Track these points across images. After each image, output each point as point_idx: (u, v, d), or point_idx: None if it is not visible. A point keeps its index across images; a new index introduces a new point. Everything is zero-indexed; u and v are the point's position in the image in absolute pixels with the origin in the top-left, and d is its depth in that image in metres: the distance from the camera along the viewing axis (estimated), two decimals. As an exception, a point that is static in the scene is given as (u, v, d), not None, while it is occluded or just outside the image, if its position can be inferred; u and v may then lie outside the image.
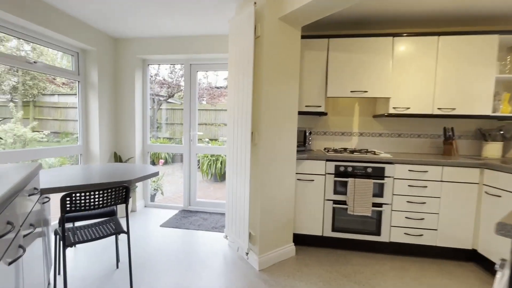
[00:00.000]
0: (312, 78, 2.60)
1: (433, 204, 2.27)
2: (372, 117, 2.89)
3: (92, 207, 1.56)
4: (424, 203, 2.28)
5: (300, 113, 2.61)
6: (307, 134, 2.72)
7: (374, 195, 2.34)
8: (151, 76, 6.41)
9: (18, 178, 0.99)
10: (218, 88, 7.75)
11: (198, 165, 3.66)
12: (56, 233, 1.71)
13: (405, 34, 2.45)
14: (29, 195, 1.18)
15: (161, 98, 7.24)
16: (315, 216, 2.44)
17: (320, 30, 2.82)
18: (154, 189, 3.98)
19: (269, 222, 2.19)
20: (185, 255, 2.31)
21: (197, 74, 3.44)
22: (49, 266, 1.78)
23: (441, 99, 2.44)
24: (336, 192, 2.40)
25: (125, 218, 1.76)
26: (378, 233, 2.36)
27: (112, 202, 1.65)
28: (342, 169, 2.38)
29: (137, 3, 2.33)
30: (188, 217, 3.24)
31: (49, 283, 1.81)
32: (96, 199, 1.56)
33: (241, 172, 2.22)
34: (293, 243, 2.37)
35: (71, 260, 2.19)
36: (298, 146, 2.58)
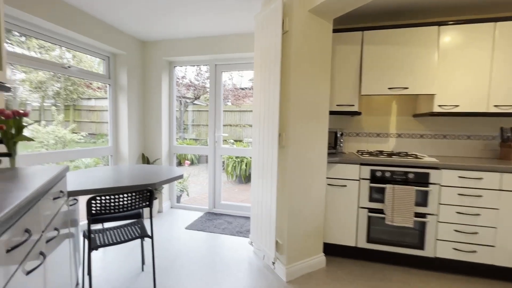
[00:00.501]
0: (344, 75, 2.40)
1: (490, 216, 1.96)
2: (412, 117, 2.61)
3: (116, 210, 1.53)
4: (478, 215, 1.97)
5: (330, 113, 2.42)
6: (338, 135, 2.52)
7: (417, 204, 2.08)
8: (178, 79, 6.55)
9: (39, 184, 0.96)
10: (243, 89, 7.72)
11: (223, 166, 3.61)
12: (84, 235, 1.72)
13: (452, 22, 2.16)
14: (54, 199, 1.16)
15: (188, 100, 7.38)
16: (348, 225, 2.24)
17: (352, 23, 2.61)
18: (180, 190, 4.00)
19: (297, 230, 2.03)
20: (209, 261, 2.24)
21: (222, 74, 3.38)
22: (78, 266, 1.79)
23: (498, 95, 2.11)
24: (371, 199, 2.18)
25: (152, 220, 1.72)
26: (421, 246, 2.10)
27: (137, 206, 1.61)
28: (379, 174, 2.15)
29: (165, 5, 2.32)
30: (212, 220, 3.18)
31: (77, 283, 1.83)
32: (121, 203, 1.53)
33: (267, 176, 2.09)
34: (323, 254, 2.19)
35: (99, 259, 2.22)
36: (328, 149, 2.39)
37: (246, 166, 5.74)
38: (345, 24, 2.58)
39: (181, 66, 3.60)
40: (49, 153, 2.54)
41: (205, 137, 7.06)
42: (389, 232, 2.17)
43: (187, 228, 2.95)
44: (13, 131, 1.56)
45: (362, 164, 2.19)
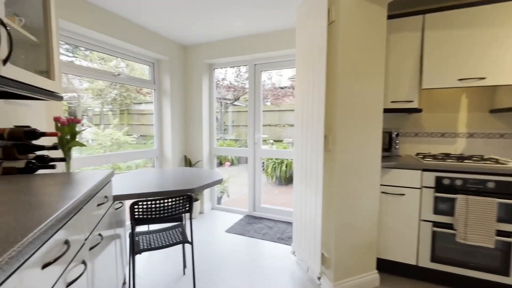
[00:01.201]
0: (400, 67, 2.09)
1: None
2: (489, 112, 2.16)
3: (158, 215, 1.52)
4: None
5: (384, 111, 2.13)
6: (393, 136, 2.22)
7: (499, 220, 1.69)
8: (218, 81, 6.68)
9: (82, 192, 0.95)
10: (282, 88, 7.55)
11: (262, 167, 3.51)
12: (129, 236, 1.77)
13: (549, -8, 1.71)
14: (98, 205, 1.18)
15: (228, 102, 7.49)
16: (407, 240, 1.94)
17: (410, 6, 2.27)
18: (221, 192, 4.02)
19: (346, 243, 1.82)
20: (249, 269, 2.15)
21: (261, 74, 3.28)
22: (124, 265, 1.86)
23: None
24: (437, 211, 1.85)
25: (193, 222, 1.70)
26: (505, 272, 1.71)
27: (177, 211, 1.59)
28: (446, 182, 1.81)
29: (206, 9, 2.30)
30: (252, 224, 3.10)
31: (124, 282, 1.90)
32: (162, 208, 1.52)
33: (311, 182, 1.92)
34: (376, 271, 1.93)
35: (144, 259, 2.29)
36: (381, 151, 2.11)
37: (286, 167, 5.57)
38: (401, 9, 2.25)
39: (220, 68, 3.60)
40: (103, 156, 2.73)
41: (245, 137, 7.08)
42: (460, 251, 1.82)
43: (227, 231, 2.91)
44: (68, 137, 1.67)
45: (424, 169, 1.87)
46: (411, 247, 1.93)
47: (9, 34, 0.91)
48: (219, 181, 1.93)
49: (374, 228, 1.91)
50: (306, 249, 2.02)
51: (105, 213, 1.31)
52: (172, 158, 3.34)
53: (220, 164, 6.94)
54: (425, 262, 1.90)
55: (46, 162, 1.47)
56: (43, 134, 1.45)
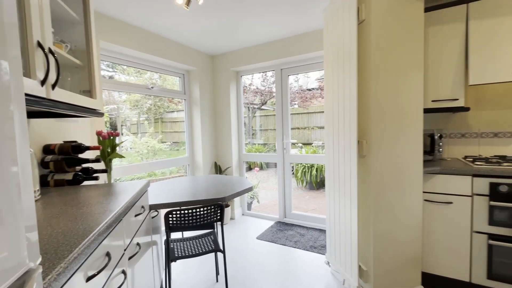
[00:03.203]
0: (442, 63, 1.91)
1: None
2: (554, 108, 1.88)
3: (191, 223, 1.56)
4: None
5: (424, 111, 1.97)
6: (436, 137, 2.03)
7: None
8: (246, 86, 6.77)
9: (120, 204, 1.00)
10: (310, 90, 7.41)
11: (292, 171, 3.45)
12: (165, 243, 1.83)
13: None
14: (136, 215, 1.23)
15: (255, 106, 7.55)
16: (457, 254, 1.74)
17: (450, -4, 2.08)
18: (251, 197, 4.03)
19: (386, 256, 1.69)
20: (282, 278, 2.10)
21: (288, 78, 3.24)
22: (161, 270, 1.93)
23: None
24: (493, 222, 1.64)
25: (224, 228, 1.71)
26: None
27: (209, 219, 1.61)
28: (503, 189, 1.60)
29: (232, 19, 2.34)
30: (284, 231, 3.05)
31: (161, 286, 1.97)
32: (194, 217, 1.55)
33: (344, 189, 1.83)
34: (421, 287, 1.77)
35: (179, 265, 2.36)
36: (423, 155, 1.94)
37: (316, 171, 5.42)
38: (440, 0, 2.07)
39: (248, 75, 3.63)
40: (140, 165, 2.89)
41: (273, 141, 7.06)
42: (524, 268, 1.59)
43: (258, 238, 2.90)
44: (108, 150, 1.79)
45: (475, 175, 1.68)
46: (463, 262, 1.73)
47: (56, 61, 1.00)
48: (249, 189, 1.93)
49: (417, 239, 1.75)
50: (341, 260, 1.93)
51: (143, 222, 1.37)
52: (203, 165, 3.43)
53: (249, 168, 6.98)
54: (480, 279, 1.69)
55: (90, 174, 1.59)
56: (88, 148, 1.57)
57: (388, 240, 1.70)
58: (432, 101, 1.96)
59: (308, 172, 5.45)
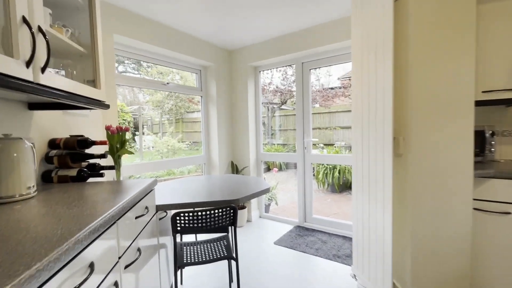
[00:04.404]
0: (496, 47, 1.61)
1: None
2: None
3: (200, 226, 1.41)
4: None
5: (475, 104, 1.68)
6: (487, 135, 1.72)
7: None
8: (265, 85, 6.60)
9: (114, 206, 0.87)
10: (332, 89, 7.10)
11: (312, 172, 3.22)
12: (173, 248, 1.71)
13: None
14: (137, 217, 1.10)
15: (275, 106, 7.36)
16: (517, 275, 1.44)
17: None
18: (269, 199, 3.84)
19: (426, 272, 1.43)
20: (302, 290, 1.90)
21: (309, 73, 3.03)
22: (170, 275, 1.80)
23: None
24: None
25: (240, 231, 1.54)
26: None
27: (221, 223, 1.46)
28: None
29: (249, 10, 2.19)
30: (304, 237, 2.83)
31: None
32: (203, 219, 1.40)
33: (376, 193, 1.59)
34: (470, 312, 1.48)
35: (190, 269, 2.23)
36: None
37: (339, 173, 5.11)
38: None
39: (266, 70, 3.45)
40: (156, 162, 2.82)
41: (293, 141, 6.83)
42: None
43: (276, 243, 2.70)
44: (118, 145, 1.70)
45: (543, 180, 1.37)
46: (524, 285, 1.42)
47: (47, 43, 0.89)
48: (266, 191, 1.75)
49: (465, 254, 1.47)
50: (371, 274, 1.68)
51: (146, 225, 1.24)
52: (219, 164, 3.30)
53: (268, 169, 6.80)
54: (549, 308, 1.38)
55: (97, 170, 1.50)
56: (94, 143, 1.48)
57: (429, 253, 1.44)
58: (483, 92, 1.65)
59: (330, 173, 5.16)
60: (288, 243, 2.69)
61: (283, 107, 7.56)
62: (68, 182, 1.36)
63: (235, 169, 3.44)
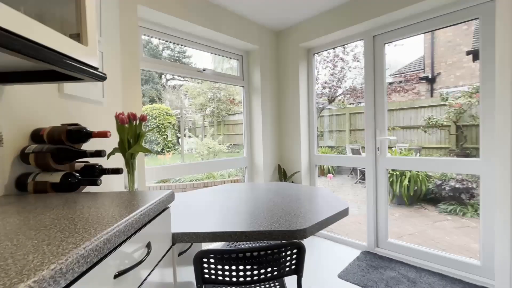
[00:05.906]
0: None
1: None
2: None
3: (241, 280, 0.82)
4: None
5: None
6: None
7: None
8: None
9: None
10: (390, 83, 6.08)
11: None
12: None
13: None
14: (118, 275, 0.56)
15: (321, 105, 6.60)
16: None
17: None
18: (323, 212, 3.13)
19: None
20: None
21: (384, 48, 2.27)
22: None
23: None
24: None
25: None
26: None
27: (276, 273, 0.85)
28: None
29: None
30: (378, 269, 2.07)
31: None
32: (247, 266, 0.82)
33: None
34: None
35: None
36: None
37: (409, 182, 4.12)
38: None
39: (322, 51, 2.78)
40: (191, 165, 2.37)
41: (342, 144, 5.97)
42: None
43: (340, 276, 2.00)
44: (131, 140, 1.22)
45: None
46: None
47: None
48: (344, 214, 1.09)
49: None
50: None
51: (146, 278, 0.69)
52: (263, 168, 2.72)
53: (319, 175, 6.02)
54: None
55: (95, 175, 1.03)
56: (91, 135, 1.01)
57: None
58: None
59: (396, 181, 4.19)
60: (359, 278, 1.96)
61: (329, 106, 6.80)
62: (46, 192, 0.90)
63: (282, 174, 2.82)
